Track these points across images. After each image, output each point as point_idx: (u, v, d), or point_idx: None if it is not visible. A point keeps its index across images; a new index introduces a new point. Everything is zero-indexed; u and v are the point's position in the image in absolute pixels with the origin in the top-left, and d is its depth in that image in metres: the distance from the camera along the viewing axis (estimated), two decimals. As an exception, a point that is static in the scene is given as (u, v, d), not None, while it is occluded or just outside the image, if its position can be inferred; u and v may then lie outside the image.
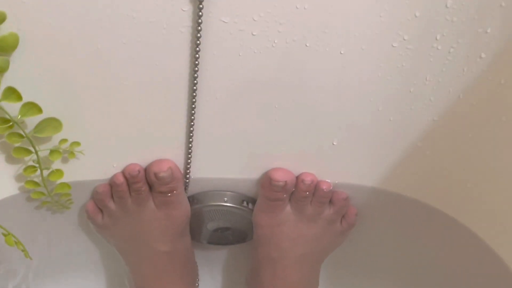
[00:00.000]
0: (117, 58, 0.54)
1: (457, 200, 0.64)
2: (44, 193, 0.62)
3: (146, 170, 0.63)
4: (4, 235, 0.58)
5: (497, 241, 0.63)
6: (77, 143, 0.59)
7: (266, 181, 0.63)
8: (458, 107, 0.57)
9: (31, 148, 0.57)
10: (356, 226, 0.70)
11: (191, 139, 0.60)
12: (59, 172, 0.61)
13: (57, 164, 0.61)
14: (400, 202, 0.66)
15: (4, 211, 0.61)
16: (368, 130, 0.60)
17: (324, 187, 0.64)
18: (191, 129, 0.59)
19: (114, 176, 0.63)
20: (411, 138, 0.61)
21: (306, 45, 0.53)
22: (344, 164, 0.64)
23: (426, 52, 0.54)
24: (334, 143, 0.61)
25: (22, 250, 0.60)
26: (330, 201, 0.66)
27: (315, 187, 0.64)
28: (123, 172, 0.63)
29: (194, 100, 0.57)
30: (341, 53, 0.54)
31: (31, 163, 0.59)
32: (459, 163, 0.62)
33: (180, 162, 0.63)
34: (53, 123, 0.56)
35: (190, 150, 0.62)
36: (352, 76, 0.56)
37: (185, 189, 0.66)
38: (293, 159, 0.63)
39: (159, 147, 0.62)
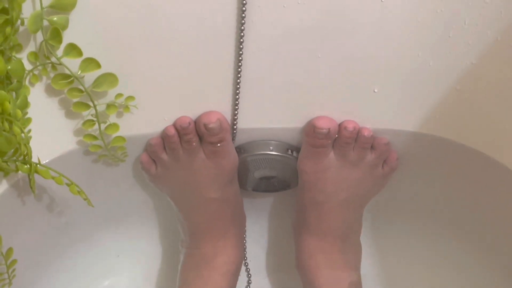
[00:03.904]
0: (167, 14, 0.57)
1: (496, 140, 0.66)
2: (101, 146, 0.66)
3: (195, 122, 0.66)
4: (68, 185, 0.61)
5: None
6: (131, 97, 0.62)
7: (310, 129, 0.66)
8: (496, 49, 0.58)
9: (90, 103, 0.60)
10: (397, 170, 0.72)
11: (238, 91, 0.63)
12: (115, 126, 0.64)
13: (113, 118, 0.64)
14: (440, 145, 0.68)
15: (64, 165, 0.64)
16: (408, 76, 0.62)
17: (365, 133, 0.66)
18: (238, 81, 0.62)
19: (166, 128, 0.66)
20: (450, 82, 0.62)
21: (347, -6, 0.55)
22: (385, 111, 0.66)
23: (464, -4, 0.56)
24: (375, 90, 0.63)
25: (85, 199, 0.63)
26: (372, 147, 0.68)
27: (357, 133, 0.66)
28: (174, 125, 0.66)
29: (241, 52, 0.60)
30: (381, 0, 0.56)
31: (89, 117, 0.62)
32: (497, 104, 0.63)
33: (227, 114, 0.66)
34: (109, 78, 0.59)
35: (237, 102, 0.64)
36: (392, 23, 0.58)
37: (233, 139, 0.69)
38: (336, 107, 0.65)
39: (208, 100, 0.65)
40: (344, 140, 0.66)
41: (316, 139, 0.66)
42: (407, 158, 0.72)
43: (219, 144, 0.66)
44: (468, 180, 0.73)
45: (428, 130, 0.67)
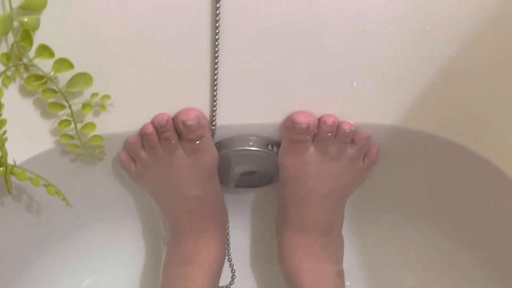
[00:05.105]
0: (141, 10, 0.56)
1: (476, 133, 0.65)
2: (78, 146, 0.65)
3: (174, 119, 0.65)
4: (45, 185, 0.61)
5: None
6: (107, 96, 0.62)
7: (290, 124, 0.66)
8: (474, 41, 0.58)
9: (65, 103, 0.60)
10: (378, 164, 0.72)
11: (215, 87, 0.63)
12: (91, 125, 0.63)
13: (89, 118, 0.63)
14: (420, 139, 0.68)
15: (41, 165, 0.64)
16: (386, 70, 0.62)
17: (345, 128, 0.66)
18: (215, 77, 0.62)
19: (144, 126, 0.66)
20: (429, 75, 0.62)
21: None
22: (364, 104, 0.65)
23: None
24: (354, 84, 0.63)
25: (63, 199, 0.63)
26: (352, 141, 0.68)
27: (337, 128, 0.66)
28: (152, 122, 0.65)
29: (216, 49, 0.59)
30: (358, -6, 0.56)
31: (65, 117, 0.61)
32: (477, 97, 0.63)
33: (206, 110, 0.65)
34: (84, 78, 0.59)
35: (215, 98, 0.64)
36: (369, 18, 0.58)
37: (212, 135, 0.68)
38: (315, 102, 0.65)
39: (185, 97, 0.64)
40: (324, 135, 0.66)
41: (296, 134, 0.66)
42: (388, 152, 0.71)
43: (198, 141, 0.66)
44: (448, 172, 0.73)
45: (408, 124, 0.66)
